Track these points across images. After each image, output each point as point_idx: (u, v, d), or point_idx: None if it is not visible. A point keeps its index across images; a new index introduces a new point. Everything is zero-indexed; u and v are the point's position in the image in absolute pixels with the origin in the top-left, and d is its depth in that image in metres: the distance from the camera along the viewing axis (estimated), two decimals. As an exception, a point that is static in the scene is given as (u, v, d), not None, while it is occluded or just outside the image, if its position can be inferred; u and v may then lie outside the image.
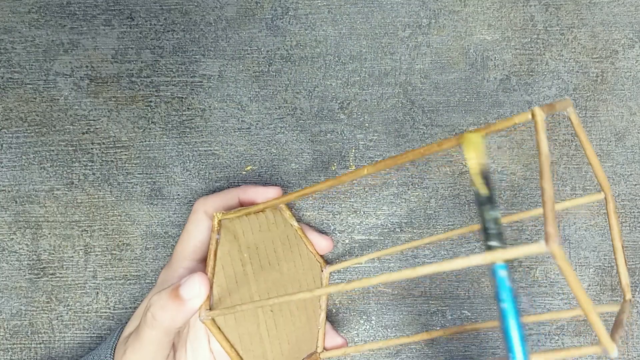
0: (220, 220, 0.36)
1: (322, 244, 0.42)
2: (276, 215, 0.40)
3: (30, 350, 0.43)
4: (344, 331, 0.44)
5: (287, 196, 0.35)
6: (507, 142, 0.45)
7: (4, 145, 0.44)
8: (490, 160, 0.45)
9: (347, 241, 0.44)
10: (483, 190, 0.27)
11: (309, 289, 0.32)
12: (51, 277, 0.43)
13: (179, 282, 0.33)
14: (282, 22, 0.45)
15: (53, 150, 0.44)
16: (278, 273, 0.39)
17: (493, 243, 0.26)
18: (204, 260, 0.38)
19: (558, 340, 0.44)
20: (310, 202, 0.45)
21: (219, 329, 0.34)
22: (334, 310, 0.44)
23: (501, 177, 0.45)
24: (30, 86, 0.44)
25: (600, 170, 0.31)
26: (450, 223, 0.44)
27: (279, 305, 0.38)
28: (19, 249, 0.44)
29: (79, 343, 0.44)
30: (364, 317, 0.44)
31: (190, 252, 0.37)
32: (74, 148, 0.44)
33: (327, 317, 0.44)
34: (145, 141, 0.44)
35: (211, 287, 0.34)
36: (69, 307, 0.43)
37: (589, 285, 0.44)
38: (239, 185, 0.42)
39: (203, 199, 0.38)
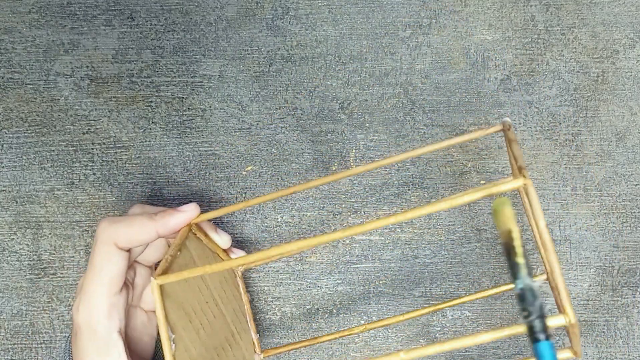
0: (161, 287, 0.31)
1: (223, 241, 0.38)
2: (192, 247, 0.36)
3: (32, 350, 0.43)
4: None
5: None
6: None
7: (4, 145, 0.44)
8: (491, 161, 0.45)
9: (347, 241, 0.44)
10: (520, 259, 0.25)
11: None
12: (52, 277, 0.44)
13: None
14: (282, 22, 0.45)
15: (53, 151, 0.44)
16: (217, 309, 0.37)
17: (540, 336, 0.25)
18: (121, 291, 0.34)
19: (559, 340, 0.44)
20: (311, 202, 0.45)
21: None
22: (334, 311, 0.44)
23: (501, 177, 0.45)
24: (31, 86, 0.44)
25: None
26: (450, 223, 0.44)
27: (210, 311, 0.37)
28: (20, 249, 0.44)
29: (79, 343, 0.44)
30: (364, 317, 0.44)
31: (106, 290, 0.33)
32: (75, 148, 0.44)
33: (319, 312, 0.44)
34: (145, 141, 0.44)
35: None
36: (70, 307, 0.43)
37: (590, 286, 0.44)
38: (148, 208, 0.36)
39: (110, 226, 0.33)
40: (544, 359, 0.24)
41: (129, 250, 0.34)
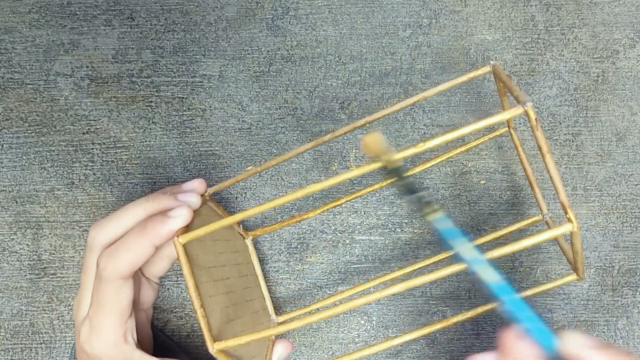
0: (184, 246, 0.32)
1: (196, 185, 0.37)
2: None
3: (31, 350, 0.43)
4: (345, 331, 0.44)
5: (238, 215, 0.31)
6: (507, 142, 0.45)
7: (4, 145, 0.44)
8: (491, 160, 0.45)
9: (347, 241, 0.44)
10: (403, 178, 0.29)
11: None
12: (52, 277, 0.44)
13: None
14: (282, 22, 0.45)
15: (53, 151, 0.44)
16: (235, 270, 0.39)
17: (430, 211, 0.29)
18: (131, 315, 0.34)
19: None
20: (311, 202, 0.45)
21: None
22: (334, 311, 0.44)
23: (502, 177, 0.45)
24: (31, 86, 0.44)
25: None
26: (450, 223, 0.44)
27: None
28: (20, 249, 0.44)
29: (79, 343, 0.44)
30: (364, 317, 0.44)
31: (118, 323, 0.32)
32: (75, 148, 0.44)
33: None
34: (145, 141, 0.44)
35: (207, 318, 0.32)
36: (70, 307, 0.43)
37: (590, 286, 0.44)
38: (135, 221, 0.34)
39: (110, 260, 0.32)
40: (441, 226, 0.28)
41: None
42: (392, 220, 0.44)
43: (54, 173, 0.44)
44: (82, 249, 0.44)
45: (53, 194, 0.44)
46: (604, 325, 0.44)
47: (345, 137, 0.45)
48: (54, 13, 0.45)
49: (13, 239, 0.44)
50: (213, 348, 0.31)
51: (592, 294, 0.44)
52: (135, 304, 0.37)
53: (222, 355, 0.31)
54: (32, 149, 0.44)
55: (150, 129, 0.44)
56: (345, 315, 0.44)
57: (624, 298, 0.44)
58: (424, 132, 0.45)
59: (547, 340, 0.26)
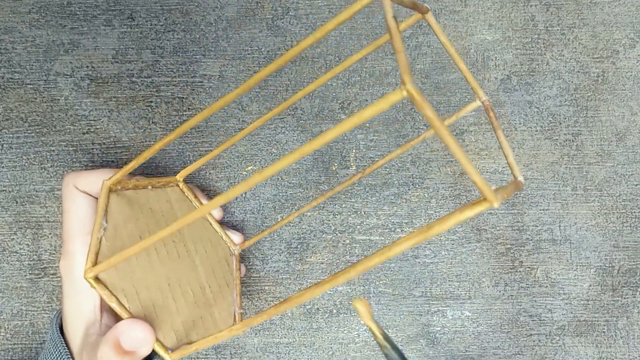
0: (110, 187, 0.35)
1: (235, 239, 0.42)
2: (173, 193, 0.40)
3: (32, 350, 0.43)
4: (345, 331, 0.44)
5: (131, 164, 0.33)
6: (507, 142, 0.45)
7: (4, 145, 0.44)
8: (491, 161, 0.45)
9: (347, 241, 0.44)
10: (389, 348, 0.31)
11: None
12: (52, 277, 0.44)
13: (117, 336, 0.31)
14: (282, 22, 0.45)
15: (54, 151, 0.44)
16: (182, 245, 0.38)
17: None
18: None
19: (559, 340, 0.44)
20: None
21: (105, 286, 0.33)
22: (334, 311, 0.44)
23: (502, 177, 0.45)
24: (31, 86, 0.44)
25: (470, 76, 0.33)
26: (450, 223, 0.44)
27: (183, 266, 0.38)
28: (20, 249, 0.44)
29: (79, 343, 0.44)
30: (364, 317, 0.44)
31: (79, 229, 0.35)
32: (75, 148, 0.44)
33: (321, 312, 0.44)
34: (145, 141, 0.44)
35: (100, 243, 0.33)
36: (69, 307, 0.43)
37: (590, 286, 0.44)
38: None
39: (74, 174, 0.36)
40: None
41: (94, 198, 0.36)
42: (392, 220, 0.44)
43: (54, 173, 0.44)
44: (82, 249, 0.44)
45: (53, 194, 0.44)
46: (604, 325, 0.44)
47: (346, 138, 0.45)
48: (54, 13, 0.45)
49: (13, 239, 0.44)
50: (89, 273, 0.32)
51: (592, 294, 0.44)
52: None
53: (96, 284, 0.32)
54: (32, 149, 0.44)
55: (150, 129, 0.44)
56: (345, 315, 0.44)
57: (624, 298, 0.44)
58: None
59: None
